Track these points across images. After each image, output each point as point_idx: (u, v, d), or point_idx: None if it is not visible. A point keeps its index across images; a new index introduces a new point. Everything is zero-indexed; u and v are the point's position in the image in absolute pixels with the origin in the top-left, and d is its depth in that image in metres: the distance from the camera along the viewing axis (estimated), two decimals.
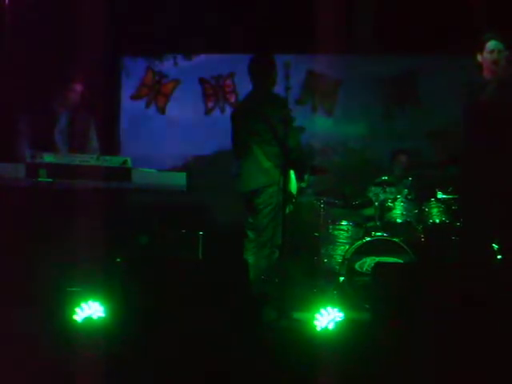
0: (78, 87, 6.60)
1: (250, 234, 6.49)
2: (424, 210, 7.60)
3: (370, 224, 7.77)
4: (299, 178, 6.70)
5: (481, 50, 5.73)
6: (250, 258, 6.37)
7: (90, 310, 5.19)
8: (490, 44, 5.68)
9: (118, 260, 5.88)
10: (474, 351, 4.65)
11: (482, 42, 5.73)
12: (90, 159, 6.01)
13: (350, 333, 5.25)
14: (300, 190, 6.98)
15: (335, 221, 7.72)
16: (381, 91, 9.31)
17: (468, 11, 8.11)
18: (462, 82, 6.02)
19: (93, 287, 5.44)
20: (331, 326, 5.25)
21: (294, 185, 6.54)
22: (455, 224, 7.30)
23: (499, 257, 6.44)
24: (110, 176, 5.98)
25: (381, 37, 8.76)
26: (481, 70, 5.78)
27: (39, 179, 5.77)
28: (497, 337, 4.77)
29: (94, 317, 5.18)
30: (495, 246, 6.46)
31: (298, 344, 5.13)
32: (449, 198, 7.48)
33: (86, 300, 5.20)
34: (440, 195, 7.55)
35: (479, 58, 5.75)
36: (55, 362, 4.50)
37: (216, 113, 9.47)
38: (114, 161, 6.08)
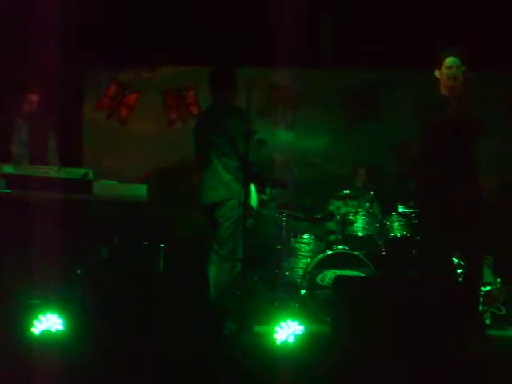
0: (34, 98, 6.54)
1: (215, 246, 6.46)
2: (385, 223, 7.64)
3: (332, 237, 7.79)
4: (260, 191, 6.67)
5: (439, 65, 5.79)
6: (214, 270, 6.35)
7: (48, 323, 5.14)
8: (448, 60, 5.75)
9: (78, 272, 5.83)
10: (434, 363, 4.68)
11: (440, 57, 5.80)
12: (50, 171, 5.97)
13: (309, 346, 5.25)
14: (261, 203, 6.97)
15: (297, 234, 7.73)
16: (342, 105, 9.36)
17: (428, 27, 8.21)
18: (420, 98, 6.07)
19: (52, 299, 5.39)
20: (291, 340, 5.24)
21: (254, 198, 6.53)
22: (416, 238, 7.32)
23: (459, 270, 6.50)
24: (71, 188, 5.94)
25: (343, 51, 8.82)
26: (438, 86, 5.84)
27: None
28: (457, 349, 4.81)
29: (53, 329, 5.13)
30: (455, 260, 6.53)
31: (258, 357, 5.12)
32: (410, 212, 7.50)
33: (44, 312, 5.15)
34: (401, 209, 7.58)
35: (437, 73, 5.81)
36: (12, 374, 4.45)
37: (178, 124, 9.45)
38: (74, 173, 6.05)
